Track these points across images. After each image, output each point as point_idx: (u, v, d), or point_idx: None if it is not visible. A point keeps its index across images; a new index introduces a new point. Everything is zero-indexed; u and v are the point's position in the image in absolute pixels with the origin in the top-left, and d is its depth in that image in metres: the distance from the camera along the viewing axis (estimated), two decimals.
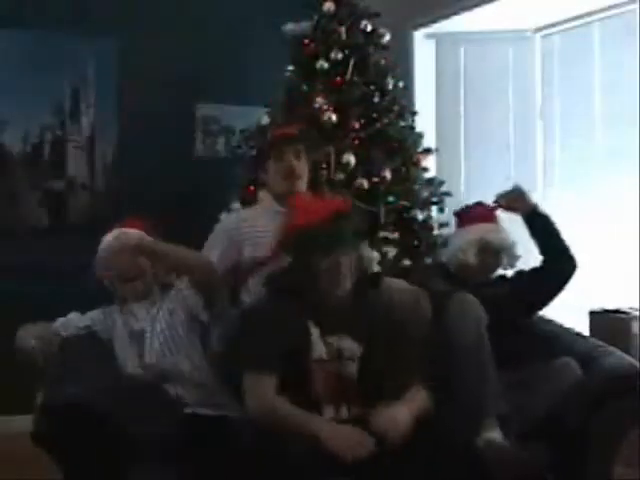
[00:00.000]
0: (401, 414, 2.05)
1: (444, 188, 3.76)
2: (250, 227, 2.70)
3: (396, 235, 3.45)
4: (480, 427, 2.30)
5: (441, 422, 2.09)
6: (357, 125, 3.55)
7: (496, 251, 2.78)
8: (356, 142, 3.52)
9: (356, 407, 2.18)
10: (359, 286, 2.26)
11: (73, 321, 2.56)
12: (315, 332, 2.18)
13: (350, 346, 2.20)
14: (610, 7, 3.86)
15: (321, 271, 2.17)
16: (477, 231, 2.79)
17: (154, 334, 2.42)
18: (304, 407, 2.08)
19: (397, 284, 2.58)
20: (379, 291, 2.37)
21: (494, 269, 2.85)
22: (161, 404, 2.22)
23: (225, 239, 2.71)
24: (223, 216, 2.84)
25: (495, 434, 2.30)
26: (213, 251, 2.71)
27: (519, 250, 2.83)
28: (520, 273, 2.86)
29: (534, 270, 2.81)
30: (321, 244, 2.17)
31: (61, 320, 2.56)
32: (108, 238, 2.57)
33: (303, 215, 2.25)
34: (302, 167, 2.72)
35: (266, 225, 2.67)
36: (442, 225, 3.63)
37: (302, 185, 2.73)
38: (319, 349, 2.17)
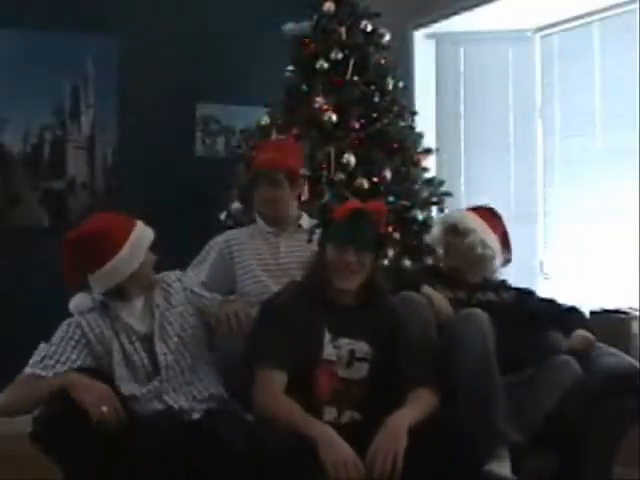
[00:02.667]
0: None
1: (444, 188, 3.76)
2: (239, 245, 2.76)
3: (396, 235, 3.45)
4: (489, 453, 2.15)
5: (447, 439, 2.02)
6: (357, 125, 3.56)
7: (461, 232, 2.69)
8: (356, 142, 3.52)
9: (360, 411, 2.19)
10: (375, 290, 2.29)
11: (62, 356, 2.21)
12: (327, 333, 2.20)
13: (362, 348, 2.22)
14: (610, 7, 3.86)
15: (329, 262, 2.22)
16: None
17: (164, 339, 2.25)
18: (306, 407, 2.08)
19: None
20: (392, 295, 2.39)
21: (478, 267, 2.73)
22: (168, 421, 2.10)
23: (214, 254, 2.77)
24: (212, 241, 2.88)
25: (505, 470, 2.14)
26: (203, 265, 2.77)
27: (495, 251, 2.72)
28: (528, 293, 2.80)
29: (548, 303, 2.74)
30: (333, 236, 2.25)
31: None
32: None
33: (337, 212, 2.33)
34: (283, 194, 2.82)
35: (254, 244, 2.76)
36: None
37: (288, 210, 2.85)
38: (329, 350, 2.19)
